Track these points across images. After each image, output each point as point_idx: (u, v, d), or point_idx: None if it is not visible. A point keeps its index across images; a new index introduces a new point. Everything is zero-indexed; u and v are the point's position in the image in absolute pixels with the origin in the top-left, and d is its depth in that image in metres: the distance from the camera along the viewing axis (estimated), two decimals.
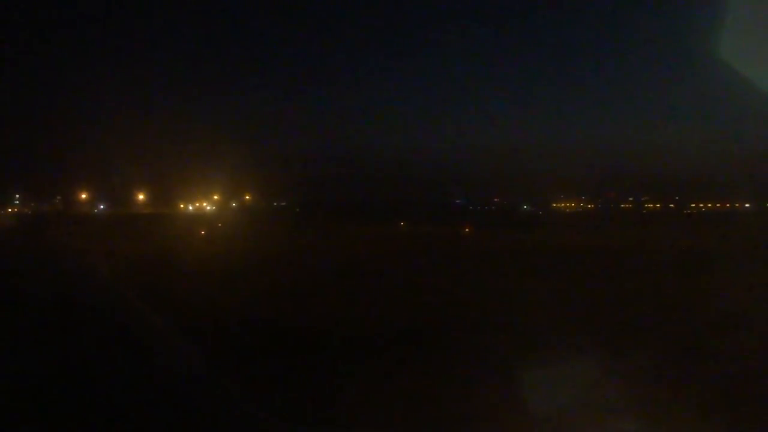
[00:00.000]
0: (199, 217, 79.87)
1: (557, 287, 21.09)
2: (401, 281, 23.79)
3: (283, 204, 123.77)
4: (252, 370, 10.55)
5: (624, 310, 17.07)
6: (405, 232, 58.87)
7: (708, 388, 9.64)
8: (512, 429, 8.19)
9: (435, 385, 10.09)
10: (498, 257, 33.09)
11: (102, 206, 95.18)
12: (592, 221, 77.71)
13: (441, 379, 10.48)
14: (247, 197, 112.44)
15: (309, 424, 8.03)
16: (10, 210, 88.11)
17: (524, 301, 18.56)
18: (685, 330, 14.50)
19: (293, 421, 7.78)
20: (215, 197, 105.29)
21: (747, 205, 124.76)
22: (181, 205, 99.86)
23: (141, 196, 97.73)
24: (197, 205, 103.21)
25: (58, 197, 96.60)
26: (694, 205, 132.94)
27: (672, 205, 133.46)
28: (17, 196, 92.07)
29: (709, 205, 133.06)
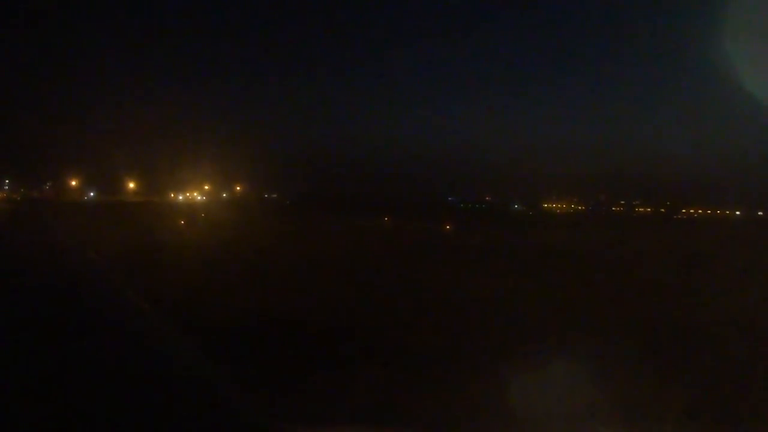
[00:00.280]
0: (185, 207, 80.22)
1: (503, 286, 21.10)
2: (340, 275, 24.06)
3: (274, 196, 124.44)
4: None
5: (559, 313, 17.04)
6: (383, 226, 59.13)
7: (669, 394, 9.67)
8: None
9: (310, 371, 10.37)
10: (461, 254, 33.39)
11: (92, 194, 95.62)
12: (575, 222, 77.98)
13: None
14: (238, 188, 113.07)
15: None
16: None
17: (454, 298, 18.73)
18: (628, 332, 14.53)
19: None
20: (206, 187, 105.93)
21: (738, 212, 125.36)
22: (171, 195, 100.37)
23: (131, 185, 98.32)
24: (187, 195, 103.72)
25: (48, 184, 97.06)
26: (684, 210, 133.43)
27: (663, 210, 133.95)
28: (6, 181, 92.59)
29: (700, 211, 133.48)
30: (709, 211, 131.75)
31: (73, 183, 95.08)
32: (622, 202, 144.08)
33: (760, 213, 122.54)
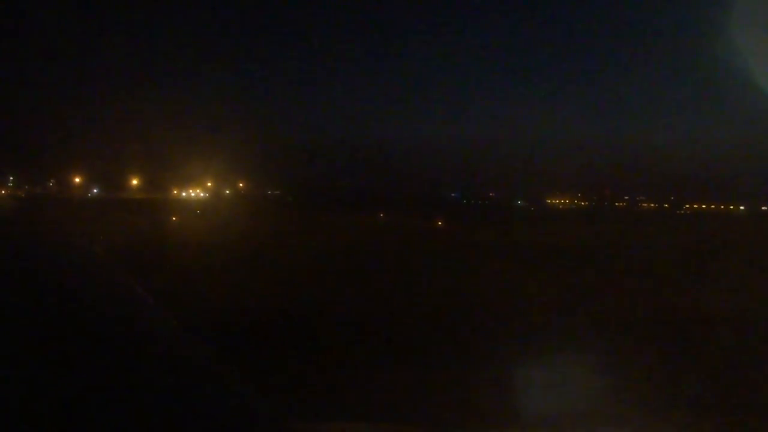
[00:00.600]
0: (184, 204, 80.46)
1: (479, 282, 20.97)
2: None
3: (277, 192, 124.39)
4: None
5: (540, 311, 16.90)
6: (377, 222, 58.98)
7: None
8: None
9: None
10: (445, 250, 33.25)
11: (95, 190, 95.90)
12: (575, 218, 77.91)
13: None
14: (241, 185, 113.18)
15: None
16: (3, 192, 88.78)
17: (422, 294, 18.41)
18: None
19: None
20: (209, 184, 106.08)
21: (742, 207, 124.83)
22: (175, 191, 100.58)
23: (135, 182, 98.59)
24: (190, 191, 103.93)
25: (52, 180, 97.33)
26: (688, 205, 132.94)
27: (667, 205, 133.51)
28: (11, 178, 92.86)
29: (704, 206, 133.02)
30: (713, 206, 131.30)
31: (77, 180, 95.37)
32: (626, 197, 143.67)
33: (764, 208, 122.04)
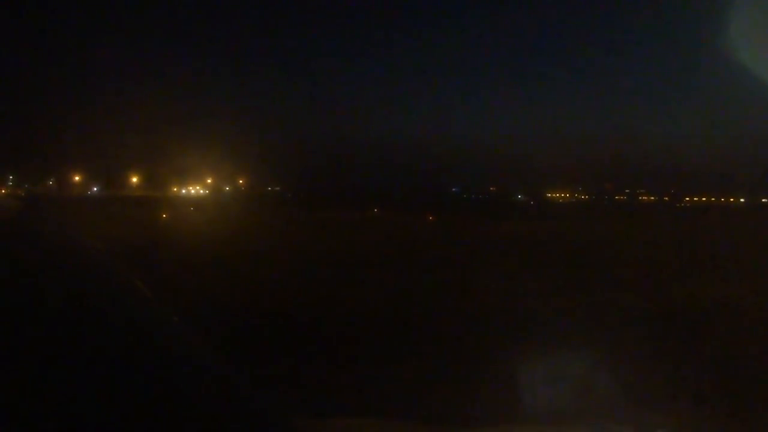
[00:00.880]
0: (187, 201, 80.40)
1: (450, 278, 20.72)
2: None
3: (277, 189, 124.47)
4: None
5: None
6: (369, 218, 58.68)
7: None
8: None
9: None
10: (445, 245, 33.09)
11: (95, 189, 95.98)
12: (573, 211, 77.80)
13: None
14: (241, 182, 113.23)
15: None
16: (3, 191, 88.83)
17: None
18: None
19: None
20: (208, 181, 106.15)
21: (742, 200, 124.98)
22: (174, 189, 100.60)
23: (134, 180, 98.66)
24: (190, 188, 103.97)
25: (52, 179, 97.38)
26: (688, 198, 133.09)
27: (666, 198, 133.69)
28: (11, 177, 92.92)
29: (704, 199, 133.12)
30: (713, 199, 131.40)
31: (77, 178, 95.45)
32: (627, 190, 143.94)
33: (764, 200, 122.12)
